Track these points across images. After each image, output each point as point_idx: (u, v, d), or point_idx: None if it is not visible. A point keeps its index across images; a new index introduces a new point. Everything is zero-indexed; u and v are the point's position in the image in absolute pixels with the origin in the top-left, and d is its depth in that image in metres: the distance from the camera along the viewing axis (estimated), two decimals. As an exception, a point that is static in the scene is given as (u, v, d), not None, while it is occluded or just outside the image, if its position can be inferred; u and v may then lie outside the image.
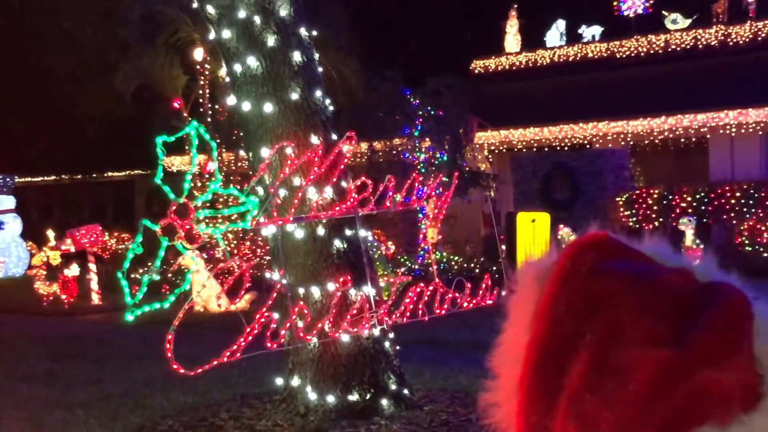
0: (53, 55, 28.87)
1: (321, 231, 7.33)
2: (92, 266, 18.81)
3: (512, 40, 32.78)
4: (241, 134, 8.22)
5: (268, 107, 7.34)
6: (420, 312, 7.56)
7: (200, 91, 22.52)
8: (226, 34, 7.41)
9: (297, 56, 7.44)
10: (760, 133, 23.77)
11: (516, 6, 32.67)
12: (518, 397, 1.03)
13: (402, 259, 19.36)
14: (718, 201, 21.31)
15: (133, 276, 17.29)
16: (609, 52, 30.73)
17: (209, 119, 22.09)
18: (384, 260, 15.66)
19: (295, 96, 7.38)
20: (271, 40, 7.35)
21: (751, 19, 28.21)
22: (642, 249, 1.11)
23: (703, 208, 21.31)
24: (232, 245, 20.60)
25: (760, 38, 27.84)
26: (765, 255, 18.48)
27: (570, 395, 0.97)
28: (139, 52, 23.25)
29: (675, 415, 0.93)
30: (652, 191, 22.91)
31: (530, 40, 32.72)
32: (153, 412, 8.79)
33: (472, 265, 18.04)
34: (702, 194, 21.88)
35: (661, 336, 0.95)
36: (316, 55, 7.69)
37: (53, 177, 38.01)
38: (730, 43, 28.43)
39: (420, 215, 18.97)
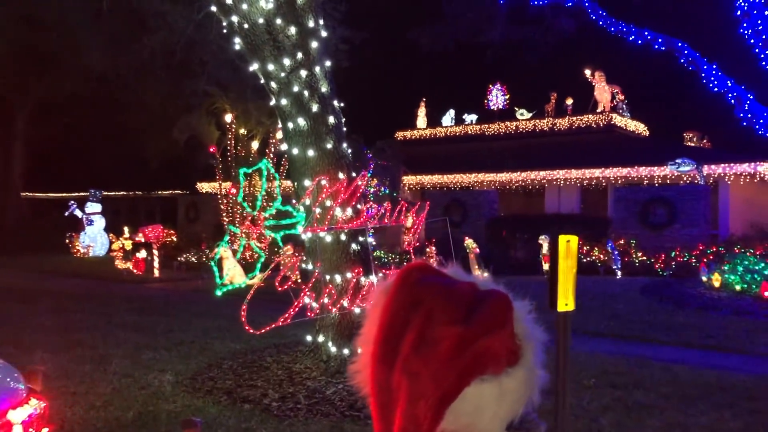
0: (134, 113, 28.26)
1: (343, 237, 6.76)
2: (155, 252, 17.95)
3: (421, 120, 33.06)
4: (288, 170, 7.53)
5: (311, 152, 6.75)
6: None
7: (228, 142, 21.79)
8: (284, 101, 6.79)
9: (331, 119, 6.87)
10: (578, 185, 23.89)
11: (425, 99, 33.14)
12: (370, 365, 1.02)
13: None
14: (547, 226, 21.25)
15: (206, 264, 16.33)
16: (481, 130, 31.03)
17: (232, 160, 21.55)
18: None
19: (329, 146, 6.79)
20: (314, 107, 6.76)
21: (569, 115, 28.62)
22: (446, 271, 1.11)
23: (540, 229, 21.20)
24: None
25: (574, 127, 28.30)
26: (584, 260, 18.36)
27: (402, 359, 0.97)
28: (190, 115, 22.56)
29: (467, 368, 0.95)
30: (509, 218, 22.86)
31: (432, 120, 32.87)
32: (215, 354, 8.02)
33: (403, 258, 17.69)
34: (537, 221, 22.00)
35: (457, 318, 0.97)
36: (343, 119, 7.11)
37: (123, 192, 36.88)
38: (556, 129, 28.79)
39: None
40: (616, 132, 27.42)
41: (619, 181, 22.45)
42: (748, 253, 16.00)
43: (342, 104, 7.08)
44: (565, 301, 3.19)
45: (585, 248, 18.75)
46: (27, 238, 27.17)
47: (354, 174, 6.92)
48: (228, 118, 21.50)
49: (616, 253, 16.41)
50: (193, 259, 21.25)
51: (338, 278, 6.66)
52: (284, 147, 7.01)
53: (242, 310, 5.90)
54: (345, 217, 6.71)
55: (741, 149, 20.47)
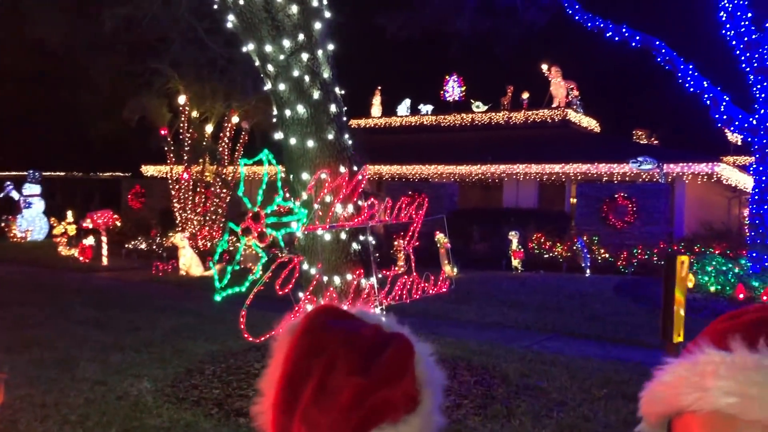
0: (79, 90, 26.76)
1: (343, 236, 6.29)
2: (104, 239, 16.98)
3: (376, 108, 32.70)
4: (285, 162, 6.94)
5: (310, 143, 6.23)
6: (404, 296, 6.78)
7: (180, 124, 20.81)
8: (281, 87, 6.23)
9: (333, 108, 6.36)
10: (537, 180, 23.89)
11: (380, 87, 32.80)
12: (272, 409, 1.00)
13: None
14: (507, 220, 21.19)
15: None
16: (437, 122, 30.79)
17: (186, 143, 20.62)
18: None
19: (330, 136, 6.29)
20: (315, 94, 6.23)
21: (524, 109, 28.70)
22: (354, 313, 1.09)
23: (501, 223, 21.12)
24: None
25: (530, 121, 28.34)
26: (546, 256, 18.37)
27: (302, 407, 0.96)
28: (142, 95, 21.44)
29: (364, 419, 0.94)
30: (471, 211, 22.71)
31: (387, 110, 32.52)
32: (191, 356, 7.42)
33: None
34: (497, 215, 21.91)
35: (357, 368, 0.96)
36: (344, 108, 6.61)
37: (64, 173, 35.12)
38: (512, 122, 28.82)
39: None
40: (571, 127, 27.60)
41: (579, 177, 22.57)
42: (708, 253, 16.28)
43: (343, 92, 6.57)
44: (679, 332, 2.82)
45: (547, 243, 18.77)
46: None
47: (355, 168, 6.45)
48: (181, 99, 20.53)
49: (586, 251, 16.41)
50: (143, 246, 20.30)
51: (338, 280, 6.20)
52: (278, 136, 6.45)
53: (241, 316, 5.39)
54: (346, 215, 6.25)
55: (686, 146, 20.75)
